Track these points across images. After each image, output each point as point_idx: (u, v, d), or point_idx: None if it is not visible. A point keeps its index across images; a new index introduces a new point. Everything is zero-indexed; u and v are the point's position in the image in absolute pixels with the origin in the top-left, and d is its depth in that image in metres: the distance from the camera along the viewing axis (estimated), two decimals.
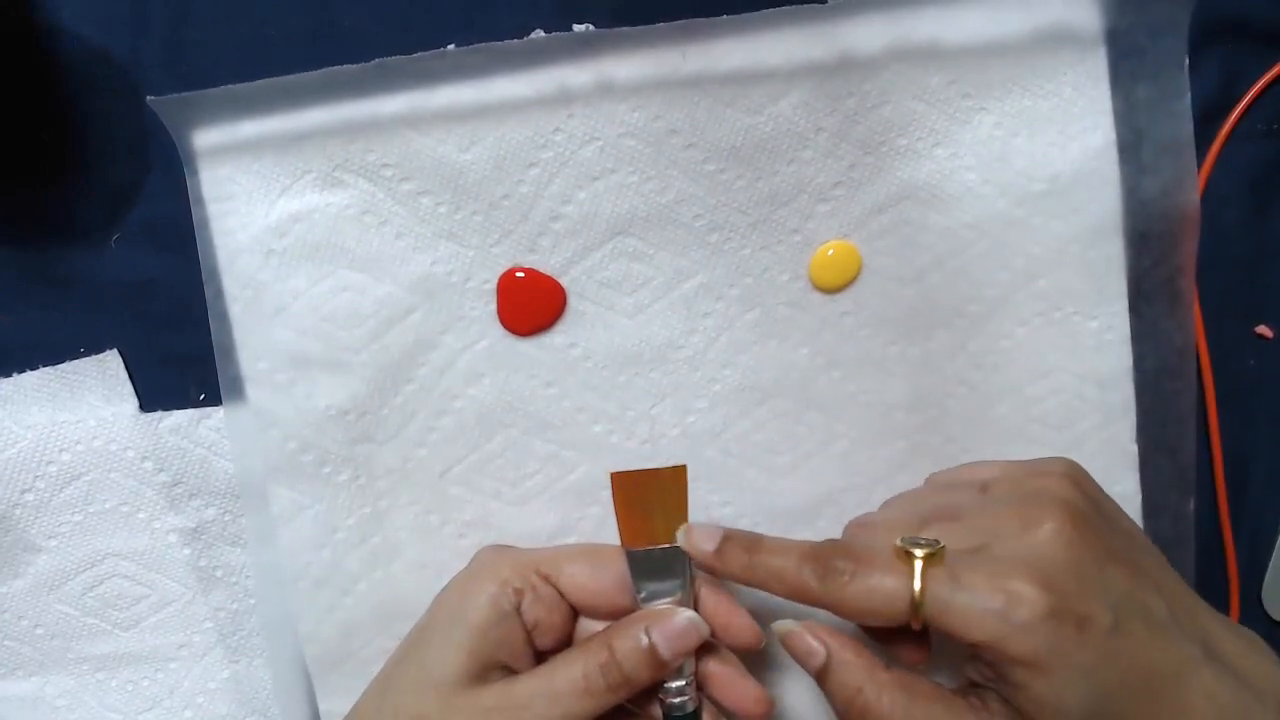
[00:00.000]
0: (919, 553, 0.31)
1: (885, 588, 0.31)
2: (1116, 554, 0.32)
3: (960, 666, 0.33)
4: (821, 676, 0.32)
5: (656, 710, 0.35)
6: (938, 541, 0.32)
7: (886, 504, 0.39)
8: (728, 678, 0.35)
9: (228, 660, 0.42)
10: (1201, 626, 0.32)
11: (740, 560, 0.33)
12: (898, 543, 0.32)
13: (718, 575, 0.34)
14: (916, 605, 0.30)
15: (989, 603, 0.30)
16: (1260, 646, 0.33)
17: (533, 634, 0.35)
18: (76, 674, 0.42)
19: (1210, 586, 0.43)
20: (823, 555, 0.32)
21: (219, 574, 0.42)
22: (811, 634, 0.33)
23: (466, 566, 0.38)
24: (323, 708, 0.42)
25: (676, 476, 0.34)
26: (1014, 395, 0.40)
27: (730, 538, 0.34)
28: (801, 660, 0.33)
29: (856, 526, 0.38)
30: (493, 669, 0.34)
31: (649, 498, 0.34)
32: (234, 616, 0.42)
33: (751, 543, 0.33)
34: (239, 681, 0.43)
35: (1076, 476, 0.34)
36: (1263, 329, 0.42)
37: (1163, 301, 0.40)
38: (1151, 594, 0.31)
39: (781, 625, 0.33)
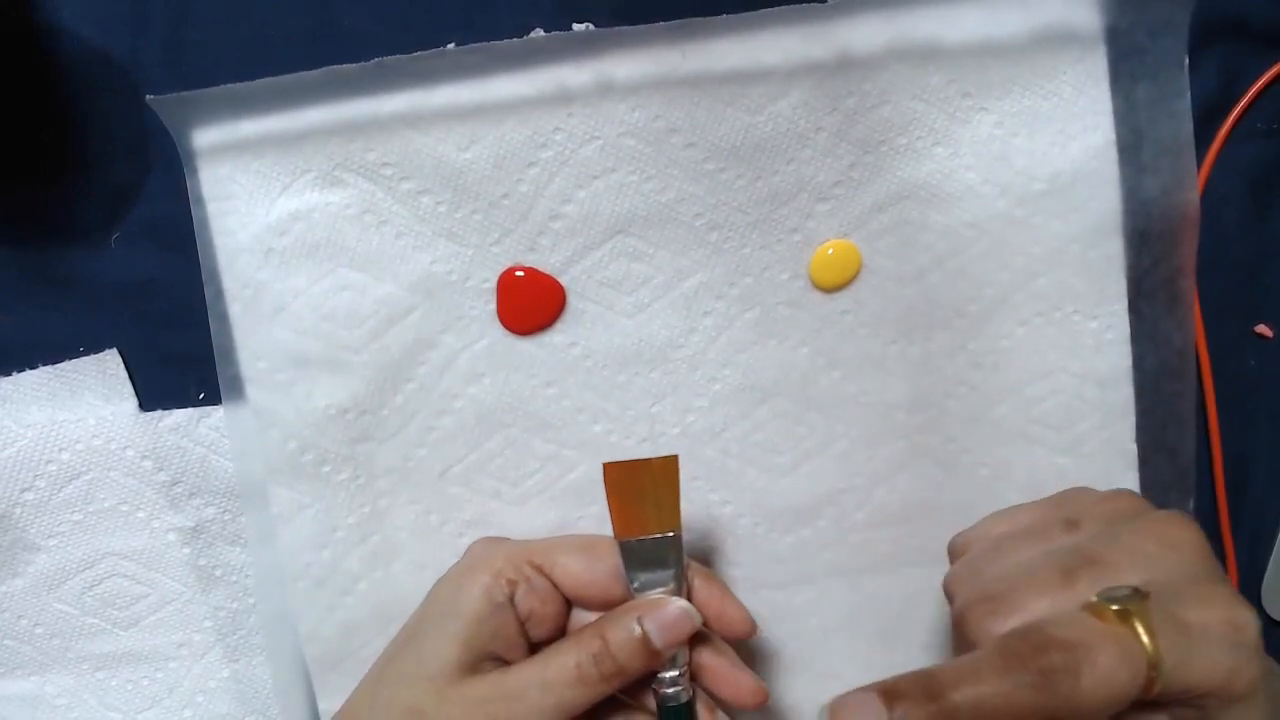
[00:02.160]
0: (1132, 610, 0.26)
1: (1124, 671, 0.25)
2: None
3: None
4: None
5: (651, 701, 0.35)
6: (1139, 590, 0.27)
7: (970, 569, 0.32)
8: (721, 668, 0.35)
9: (227, 659, 0.42)
10: None
11: (928, 712, 0.25)
12: (1093, 599, 0.27)
13: None
14: (1153, 671, 0.25)
15: (1221, 639, 0.26)
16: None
17: (526, 625, 0.35)
18: (76, 673, 0.42)
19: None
20: (1025, 656, 0.26)
21: (218, 573, 0.42)
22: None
23: (460, 559, 0.38)
24: (322, 707, 0.42)
25: (668, 467, 0.34)
26: (1014, 395, 0.40)
27: (896, 694, 0.26)
28: None
29: (978, 604, 0.29)
30: (486, 660, 0.34)
31: (641, 488, 0.34)
32: (233, 616, 0.42)
33: (925, 687, 0.26)
34: (239, 680, 0.43)
35: (1134, 492, 0.32)
36: (1263, 329, 0.42)
37: (1163, 301, 0.40)
38: None
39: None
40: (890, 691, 0.26)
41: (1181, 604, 0.27)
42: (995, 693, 0.25)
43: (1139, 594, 0.26)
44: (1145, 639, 0.26)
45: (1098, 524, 0.31)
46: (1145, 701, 0.27)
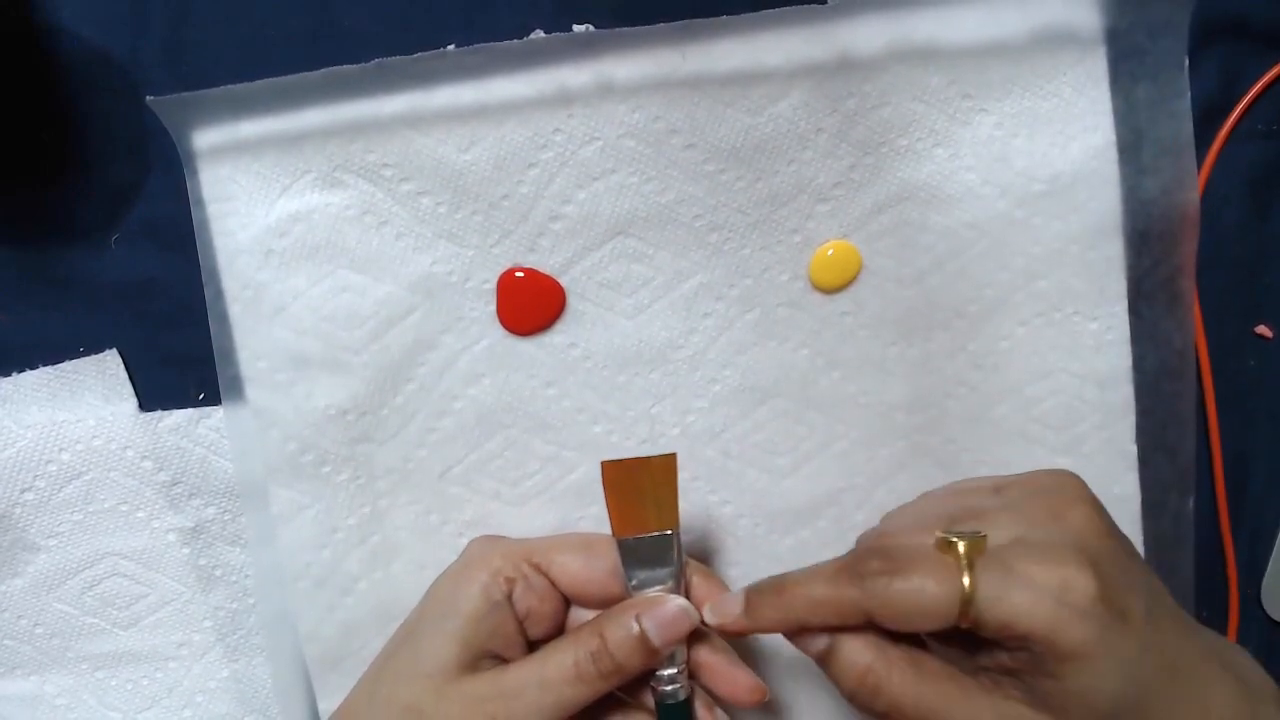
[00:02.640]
0: (962, 544, 0.29)
1: (932, 583, 0.29)
2: (1132, 548, 0.32)
3: (972, 655, 0.31)
4: (827, 660, 0.31)
5: (649, 699, 0.35)
6: (979, 531, 0.30)
7: (890, 515, 0.37)
8: (720, 666, 0.35)
9: (227, 659, 0.42)
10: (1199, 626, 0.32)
11: (772, 605, 0.31)
12: (938, 534, 0.31)
13: (757, 631, 0.33)
14: (967, 598, 0.29)
15: (1045, 589, 0.28)
16: (1241, 649, 0.33)
17: (525, 623, 0.35)
18: (76, 673, 0.42)
19: (1210, 586, 0.43)
20: (856, 563, 0.31)
21: (218, 573, 0.42)
22: None
23: (458, 557, 0.38)
24: (322, 707, 0.42)
25: (666, 465, 0.34)
26: (1014, 395, 0.40)
27: (753, 591, 0.32)
28: (805, 646, 0.32)
29: (872, 537, 0.36)
30: (485, 658, 0.34)
31: (639, 486, 0.34)
32: (233, 616, 0.42)
33: (775, 585, 0.32)
34: (238, 680, 0.43)
35: (1081, 480, 0.34)
36: (1263, 329, 0.42)
37: (1163, 302, 0.40)
38: (1161, 586, 0.31)
39: None
40: (751, 589, 0.32)
41: (1022, 558, 0.29)
42: (824, 589, 0.31)
43: (977, 534, 0.30)
44: (964, 567, 0.29)
45: (1018, 492, 0.33)
46: (986, 640, 0.30)
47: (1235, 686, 0.31)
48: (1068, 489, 0.32)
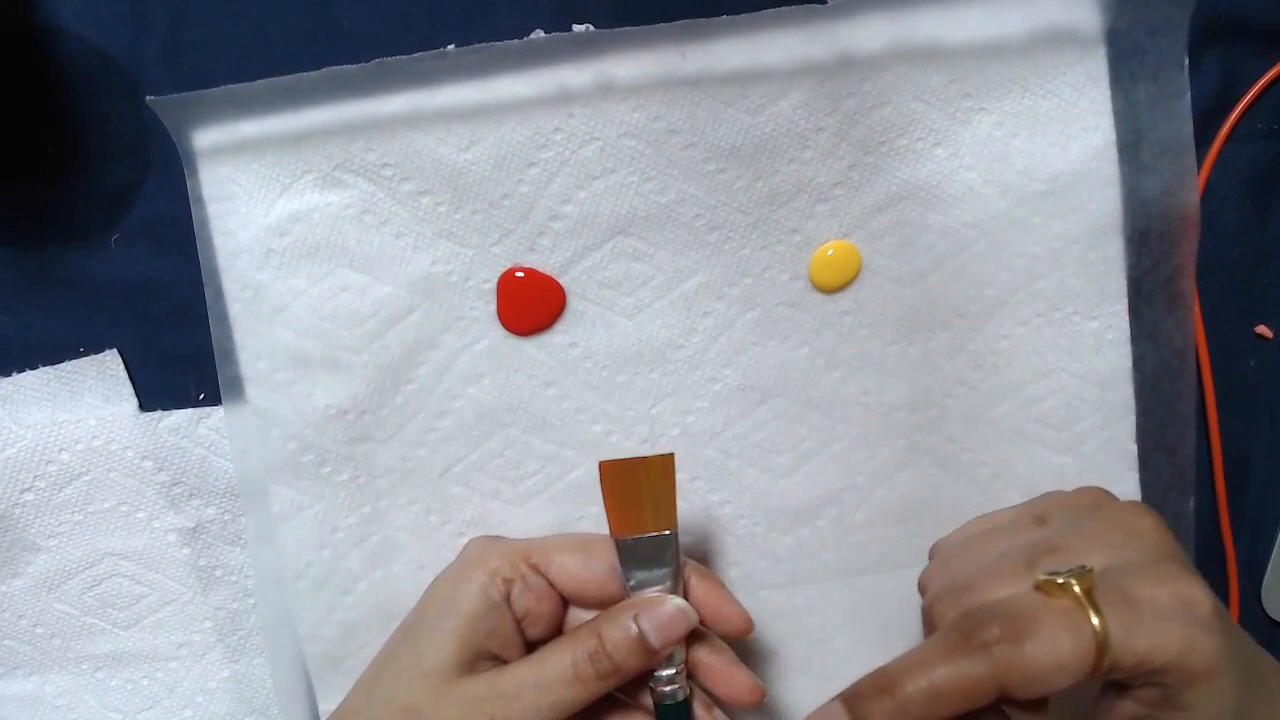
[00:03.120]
0: (1076, 583, 0.27)
1: (1066, 636, 0.26)
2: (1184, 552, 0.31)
3: (1095, 713, 0.29)
4: None
5: (648, 699, 0.35)
6: (1084, 565, 0.28)
7: (943, 564, 0.34)
8: (718, 666, 0.35)
9: (227, 659, 0.42)
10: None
11: (886, 711, 0.27)
12: (1040, 577, 0.28)
13: None
14: (1102, 641, 0.26)
15: (1172, 613, 0.26)
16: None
17: (523, 624, 0.35)
18: (76, 673, 0.42)
19: (1210, 586, 0.43)
20: (970, 633, 0.27)
21: (218, 573, 0.42)
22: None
23: (456, 557, 0.38)
24: (322, 707, 0.42)
25: (664, 465, 0.34)
26: (1014, 395, 0.40)
27: (854, 698, 0.28)
28: None
29: (946, 592, 0.31)
30: (483, 659, 0.34)
31: (637, 486, 0.34)
32: (234, 616, 0.42)
33: (881, 683, 0.27)
34: (239, 681, 0.43)
35: (1107, 491, 0.33)
36: (1263, 329, 0.42)
37: (1162, 302, 0.40)
38: None
39: None
40: (850, 696, 0.28)
41: (1133, 582, 0.28)
42: (944, 674, 0.27)
43: (1083, 569, 0.27)
44: (1089, 608, 0.26)
45: (1064, 517, 0.32)
46: (1110, 684, 0.27)
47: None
48: (1111, 503, 0.32)
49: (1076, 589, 0.27)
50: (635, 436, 0.40)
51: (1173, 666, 0.27)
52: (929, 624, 0.32)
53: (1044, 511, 0.33)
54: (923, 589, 0.34)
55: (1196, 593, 0.27)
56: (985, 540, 0.34)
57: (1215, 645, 0.27)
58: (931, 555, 0.37)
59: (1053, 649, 0.26)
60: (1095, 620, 0.26)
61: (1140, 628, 0.26)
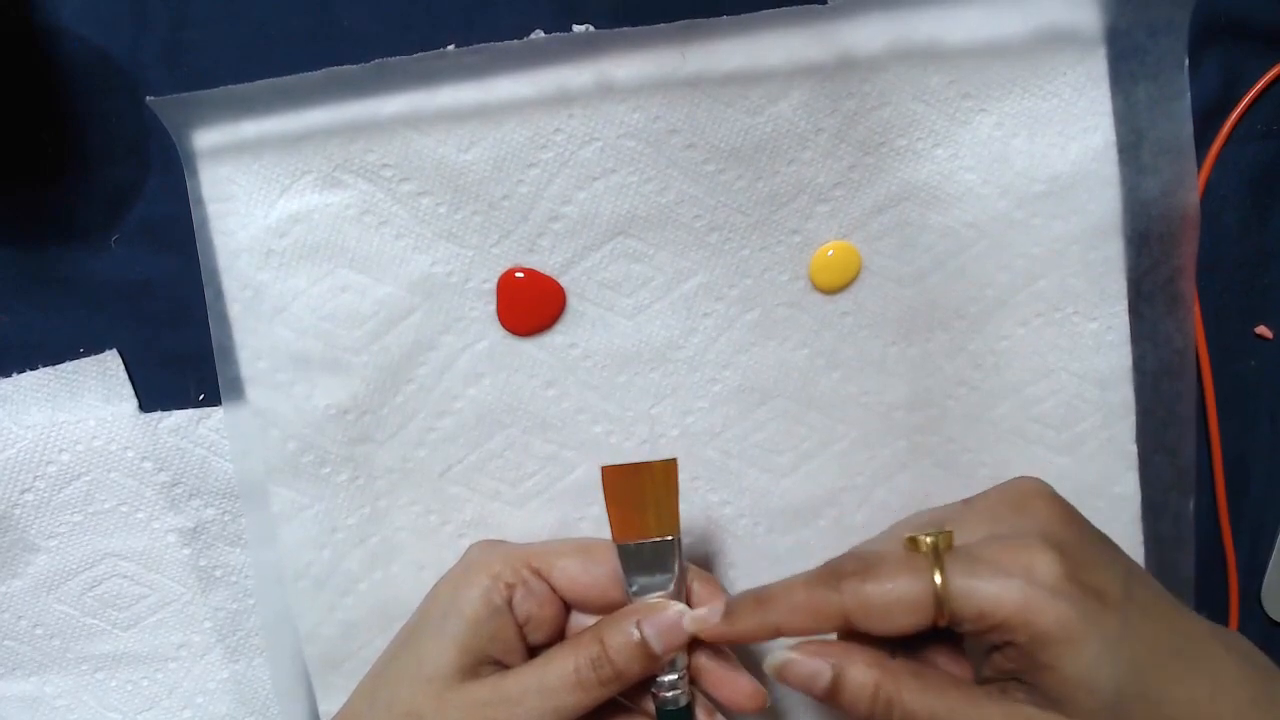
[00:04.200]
0: (928, 539, 0.31)
1: (905, 579, 0.30)
2: (1104, 536, 0.33)
3: (979, 667, 0.32)
4: (835, 692, 0.31)
5: (650, 704, 0.35)
6: (945, 530, 0.31)
7: (867, 541, 0.38)
8: (721, 671, 0.35)
9: (227, 660, 0.42)
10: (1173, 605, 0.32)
11: (751, 612, 0.32)
12: (905, 535, 0.32)
13: (737, 641, 0.33)
14: (941, 593, 0.30)
15: (1011, 573, 0.29)
16: (1239, 634, 0.33)
17: (525, 629, 0.35)
18: (76, 674, 0.42)
19: (1210, 586, 0.43)
20: (830, 569, 0.32)
21: (218, 574, 0.42)
22: (809, 653, 0.32)
23: (458, 561, 0.38)
24: (322, 708, 0.42)
25: (667, 470, 0.34)
26: (1014, 395, 0.40)
27: (732, 600, 0.33)
28: (808, 686, 0.32)
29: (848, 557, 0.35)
30: (485, 664, 0.34)
31: (640, 491, 0.34)
32: (233, 616, 0.42)
33: (755, 593, 0.33)
34: (238, 681, 0.43)
35: (1043, 481, 0.34)
36: (1263, 329, 0.42)
37: (1162, 302, 0.40)
38: (1145, 572, 0.32)
39: (774, 658, 0.32)
40: (731, 602, 0.33)
41: (988, 548, 0.31)
42: (803, 595, 0.31)
43: (943, 533, 0.31)
44: (931, 560, 0.30)
45: (984, 500, 0.34)
46: (990, 646, 0.31)
47: (1242, 664, 0.31)
48: (1028, 488, 0.34)
49: (927, 545, 0.31)
50: (635, 437, 0.40)
51: (1015, 624, 0.29)
52: None
53: (976, 497, 0.35)
54: None
55: (1044, 561, 0.30)
56: (915, 517, 0.37)
57: (1060, 609, 0.29)
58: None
59: (891, 589, 0.30)
60: (936, 572, 0.30)
61: (977, 586, 0.29)
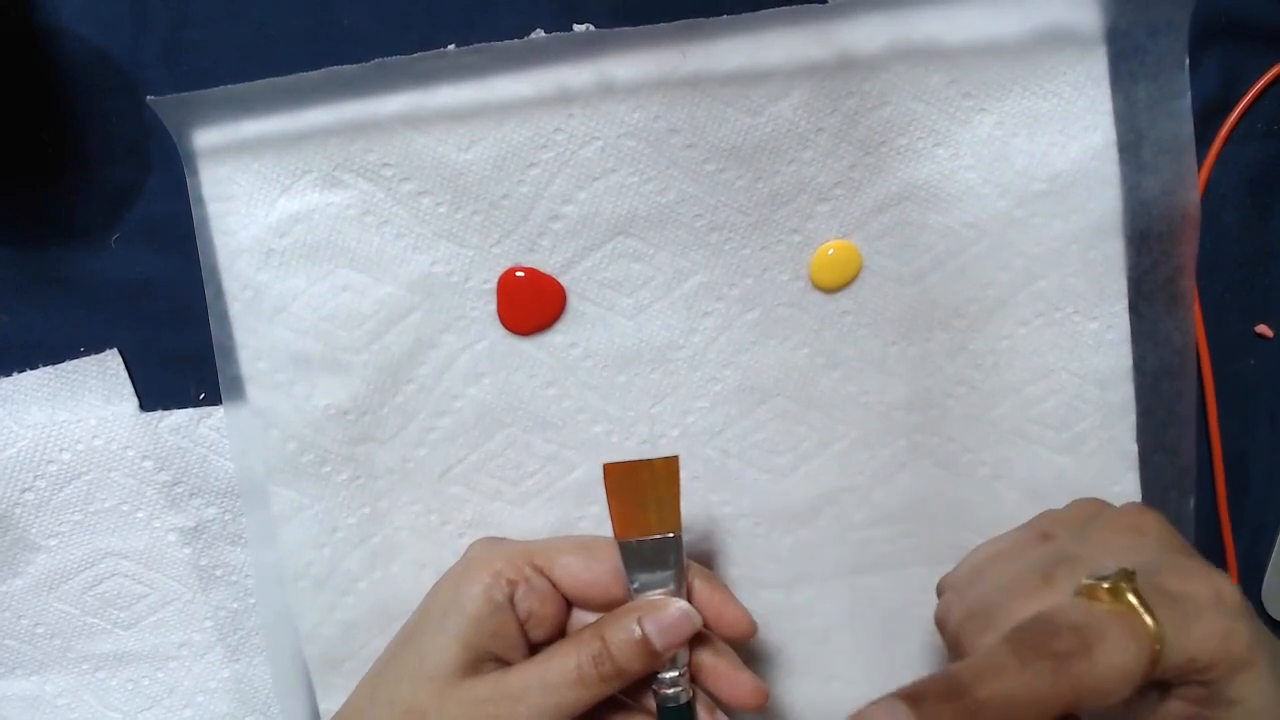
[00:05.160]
0: (1125, 586, 0.26)
1: (1131, 641, 0.26)
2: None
3: None
4: None
5: (651, 702, 0.35)
6: (1124, 567, 0.27)
7: (958, 595, 0.33)
8: (721, 669, 0.35)
9: (228, 659, 0.42)
10: None
11: (954, 710, 0.25)
12: (1083, 581, 0.27)
13: None
14: (1157, 639, 0.26)
15: (1208, 607, 0.26)
16: None
17: (526, 625, 0.35)
18: (76, 673, 0.42)
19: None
20: (1038, 644, 0.26)
21: (219, 573, 0.42)
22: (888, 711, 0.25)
23: (459, 559, 0.38)
24: (323, 707, 0.42)
25: (668, 467, 0.34)
26: (1014, 395, 0.40)
27: (919, 696, 0.25)
28: None
29: (978, 609, 0.30)
30: (486, 660, 0.34)
31: (641, 489, 0.34)
32: (234, 615, 0.42)
33: (948, 685, 0.26)
34: (239, 680, 0.43)
35: (1101, 500, 0.33)
36: (1263, 329, 0.42)
37: (1163, 302, 0.40)
38: None
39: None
40: (914, 695, 0.25)
41: (1167, 579, 0.27)
42: (1016, 684, 0.25)
43: (1125, 572, 0.27)
44: (1143, 611, 0.26)
45: (1069, 530, 0.32)
46: (1155, 684, 0.27)
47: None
48: (1110, 509, 0.32)
49: (1129, 593, 0.26)
50: (635, 436, 0.40)
51: (1217, 661, 0.26)
52: (958, 655, 0.31)
53: (1047, 528, 0.32)
54: (941, 623, 0.33)
55: (1224, 583, 0.27)
56: (996, 565, 0.33)
57: (1249, 633, 0.27)
58: (940, 591, 0.35)
59: (1120, 657, 0.26)
60: (1150, 621, 0.26)
61: (1187, 623, 0.26)
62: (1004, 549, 0.33)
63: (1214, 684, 0.27)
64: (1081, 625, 0.26)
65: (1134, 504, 0.32)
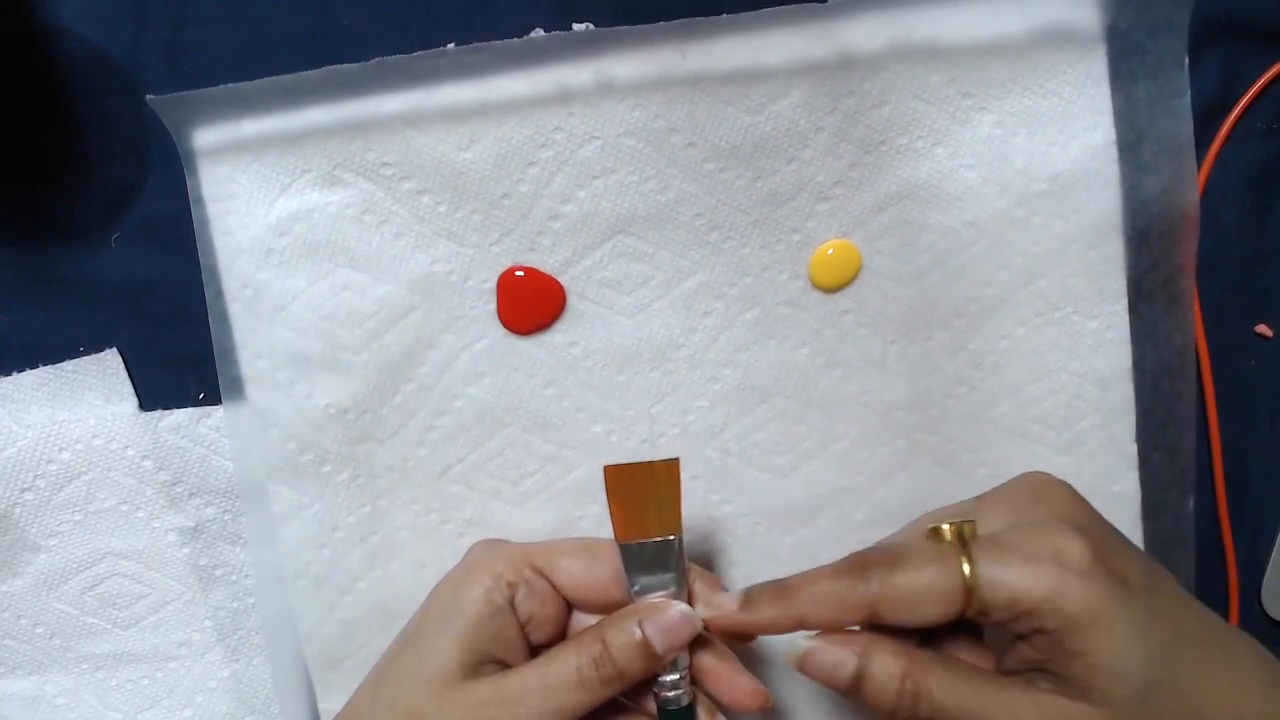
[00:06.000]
0: (950, 528, 0.30)
1: (933, 569, 0.30)
2: (1116, 528, 0.32)
3: (1001, 659, 0.32)
4: (859, 683, 0.31)
5: (652, 704, 0.35)
6: (968, 518, 0.31)
7: (889, 536, 0.37)
8: (722, 671, 0.35)
9: (227, 659, 0.42)
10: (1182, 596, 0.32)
11: (772, 602, 0.32)
12: (928, 526, 0.31)
13: (755, 631, 0.33)
14: (970, 582, 0.29)
15: (1040, 558, 0.29)
16: (1240, 630, 0.34)
17: (527, 628, 0.35)
18: (76, 673, 0.42)
19: (1210, 586, 0.43)
20: (857, 560, 0.31)
21: (218, 573, 0.42)
22: (833, 642, 0.31)
23: (460, 561, 0.38)
24: (322, 707, 0.42)
25: (669, 469, 0.34)
26: (1014, 395, 0.40)
27: (751, 589, 0.32)
28: (831, 676, 0.31)
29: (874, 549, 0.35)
30: (487, 663, 0.34)
31: (642, 491, 0.34)
32: (234, 615, 0.42)
33: (776, 584, 0.32)
34: (239, 680, 0.43)
35: (1054, 476, 0.34)
36: (1263, 329, 0.42)
37: (1162, 301, 0.40)
38: (1157, 562, 0.32)
39: (794, 647, 0.32)
40: (750, 591, 0.32)
41: (1014, 535, 0.30)
42: (827, 585, 0.31)
43: (967, 521, 0.31)
44: (960, 551, 0.30)
45: (998, 493, 0.34)
46: (1015, 636, 0.30)
47: (1255, 653, 0.31)
48: (1042, 479, 0.34)
49: (951, 534, 0.31)
50: (635, 436, 0.40)
51: (1046, 610, 0.28)
52: None
53: (988, 492, 0.35)
54: None
55: (1072, 545, 0.29)
56: (931, 512, 0.36)
57: (1092, 593, 0.28)
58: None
59: (919, 579, 0.30)
60: (965, 561, 0.29)
61: (1006, 572, 0.29)
62: (950, 504, 0.36)
63: (1054, 633, 0.29)
64: (895, 549, 0.31)
65: (1055, 481, 0.33)
